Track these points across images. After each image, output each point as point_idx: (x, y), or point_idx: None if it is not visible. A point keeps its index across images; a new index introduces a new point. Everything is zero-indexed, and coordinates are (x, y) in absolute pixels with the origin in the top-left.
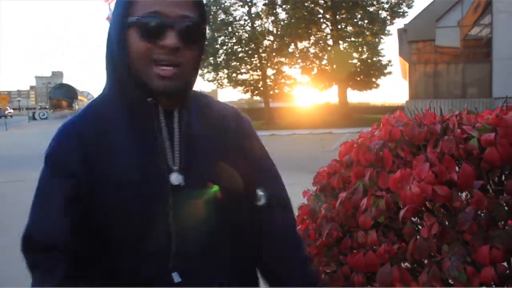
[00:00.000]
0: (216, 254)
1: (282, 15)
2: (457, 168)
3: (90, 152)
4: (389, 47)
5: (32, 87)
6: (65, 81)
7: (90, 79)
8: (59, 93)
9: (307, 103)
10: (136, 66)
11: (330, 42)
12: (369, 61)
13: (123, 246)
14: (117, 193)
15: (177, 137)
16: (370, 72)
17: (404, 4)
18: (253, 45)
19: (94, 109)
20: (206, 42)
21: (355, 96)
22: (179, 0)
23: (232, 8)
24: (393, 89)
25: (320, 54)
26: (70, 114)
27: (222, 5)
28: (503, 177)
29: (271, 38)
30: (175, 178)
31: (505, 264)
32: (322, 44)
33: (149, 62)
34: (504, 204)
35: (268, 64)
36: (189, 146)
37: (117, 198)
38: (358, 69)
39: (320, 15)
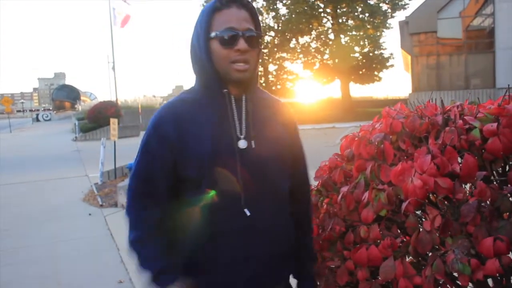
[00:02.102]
0: (274, 202)
1: (283, 10)
2: (459, 160)
3: (183, 124)
4: (391, 40)
5: (35, 89)
6: (67, 82)
7: (93, 80)
8: (62, 94)
9: (310, 98)
10: (219, 65)
11: (332, 36)
12: (370, 54)
13: (205, 186)
14: (198, 151)
15: (243, 115)
16: (372, 65)
17: None
18: None
19: (187, 95)
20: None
21: (358, 90)
22: (244, 17)
23: None
24: (395, 82)
25: (322, 49)
26: (74, 115)
27: None
28: (507, 168)
29: (272, 33)
30: (242, 143)
31: (510, 255)
32: (323, 39)
33: (229, 62)
34: (509, 195)
35: (270, 60)
36: (256, 122)
37: (198, 154)
38: (360, 63)
39: (321, 9)
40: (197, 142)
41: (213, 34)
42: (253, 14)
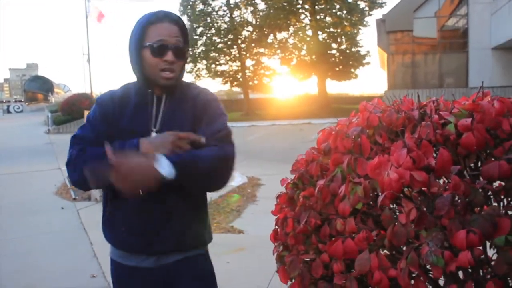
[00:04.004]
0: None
1: (261, 5)
2: (434, 154)
3: (112, 110)
4: (368, 37)
5: (6, 80)
6: (40, 73)
7: (67, 71)
8: (34, 85)
9: (287, 94)
10: (148, 70)
11: (309, 32)
12: (347, 51)
13: None
14: (120, 134)
15: (161, 112)
16: (348, 62)
17: None
18: (232, 35)
19: (125, 87)
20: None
21: (334, 87)
22: (174, 31)
23: None
24: (371, 80)
25: (299, 45)
26: (47, 107)
27: None
28: (479, 163)
29: (250, 28)
30: (153, 134)
31: (481, 248)
32: (301, 35)
33: (158, 69)
34: (480, 189)
35: (247, 55)
36: (165, 118)
37: (120, 137)
38: (337, 60)
39: (299, 6)
40: (125, 125)
41: (146, 44)
42: (183, 29)
